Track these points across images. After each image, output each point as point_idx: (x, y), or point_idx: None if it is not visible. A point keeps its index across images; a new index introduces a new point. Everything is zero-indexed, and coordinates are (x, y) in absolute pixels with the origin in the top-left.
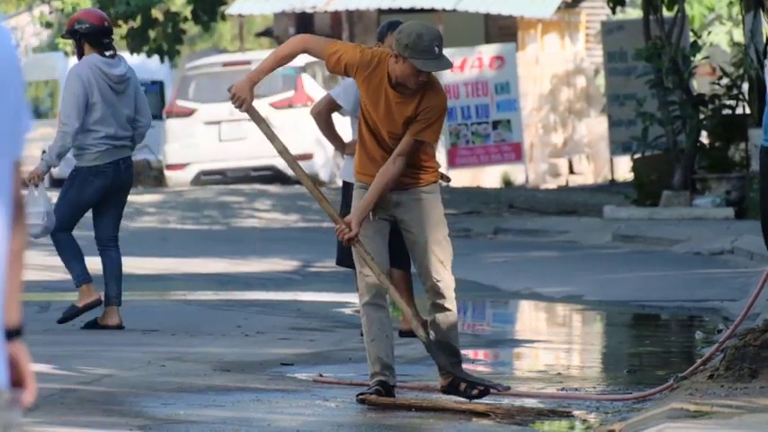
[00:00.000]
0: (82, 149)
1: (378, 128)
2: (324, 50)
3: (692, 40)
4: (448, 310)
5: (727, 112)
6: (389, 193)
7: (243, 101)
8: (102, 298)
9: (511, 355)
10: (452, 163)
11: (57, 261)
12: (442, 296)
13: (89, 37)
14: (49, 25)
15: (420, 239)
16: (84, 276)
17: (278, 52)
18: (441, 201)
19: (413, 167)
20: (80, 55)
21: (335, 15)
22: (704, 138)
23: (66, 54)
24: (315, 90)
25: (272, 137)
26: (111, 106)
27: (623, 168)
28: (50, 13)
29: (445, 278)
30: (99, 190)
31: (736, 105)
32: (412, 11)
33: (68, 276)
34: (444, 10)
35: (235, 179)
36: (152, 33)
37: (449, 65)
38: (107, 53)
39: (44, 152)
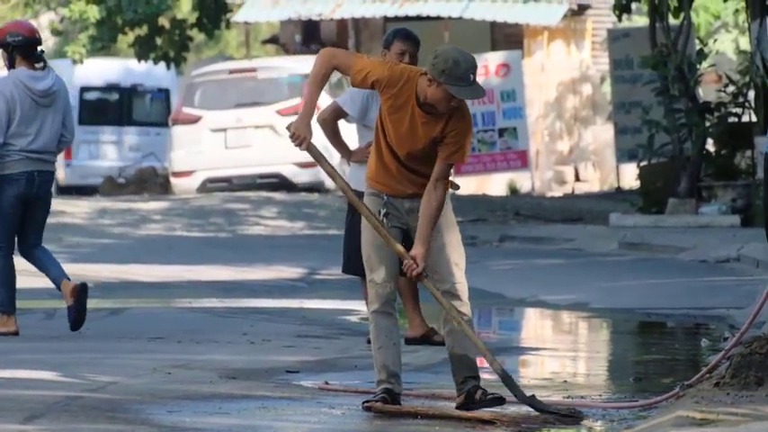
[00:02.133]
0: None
1: (394, 144)
2: (350, 67)
3: (697, 47)
4: (464, 314)
5: (732, 119)
6: (402, 200)
7: (303, 139)
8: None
9: (517, 362)
10: (458, 170)
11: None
12: (458, 299)
13: (21, 49)
14: (59, 33)
15: (435, 244)
16: (8, 307)
17: (314, 78)
18: (451, 206)
19: (428, 177)
20: (11, 66)
21: (341, 23)
22: (710, 145)
23: (74, 61)
24: (321, 97)
25: (333, 174)
26: (32, 121)
27: (629, 176)
28: (61, 21)
29: (461, 281)
30: (16, 198)
31: (742, 113)
32: (418, 18)
33: None
34: (450, 17)
35: (241, 186)
36: (159, 40)
37: (482, 93)
38: (37, 65)
39: None
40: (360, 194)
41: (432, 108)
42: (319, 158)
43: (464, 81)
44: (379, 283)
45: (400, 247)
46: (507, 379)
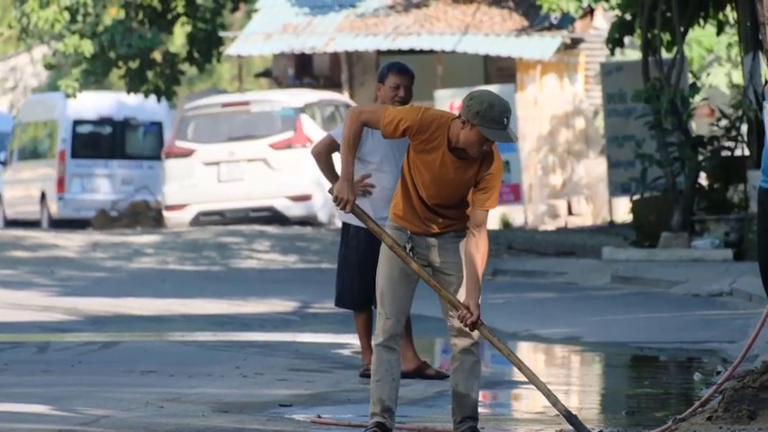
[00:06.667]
0: None
1: (424, 187)
2: (378, 120)
3: (690, 81)
4: (474, 354)
5: (725, 153)
6: (426, 237)
7: (347, 202)
8: None
9: (509, 396)
10: None
11: (54, 302)
12: (470, 338)
13: None
14: (52, 67)
15: (456, 280)
16: None
17: (346, 140)
18: None
19: (456, 219)
20: None
21: (334, 56)
22: (703, 179)
23: (67, 95)
24: (314, 131)
25: (379, 232)
26: None
27: (622, 210)
28: (53, 54)
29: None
30: None
31: (735, 147)
32: (411, 52)
33: (67, 317)
34: (444, 51)
35: (233, 220)
36: (150, 74)
37: (515, 138)
38: None
39: None
40: (348, 226)
41: (463, 152)
42: (364, 218)
43: (498, 124)
44: (388, 318)
45: (452, 297)
46: (571, 417)
